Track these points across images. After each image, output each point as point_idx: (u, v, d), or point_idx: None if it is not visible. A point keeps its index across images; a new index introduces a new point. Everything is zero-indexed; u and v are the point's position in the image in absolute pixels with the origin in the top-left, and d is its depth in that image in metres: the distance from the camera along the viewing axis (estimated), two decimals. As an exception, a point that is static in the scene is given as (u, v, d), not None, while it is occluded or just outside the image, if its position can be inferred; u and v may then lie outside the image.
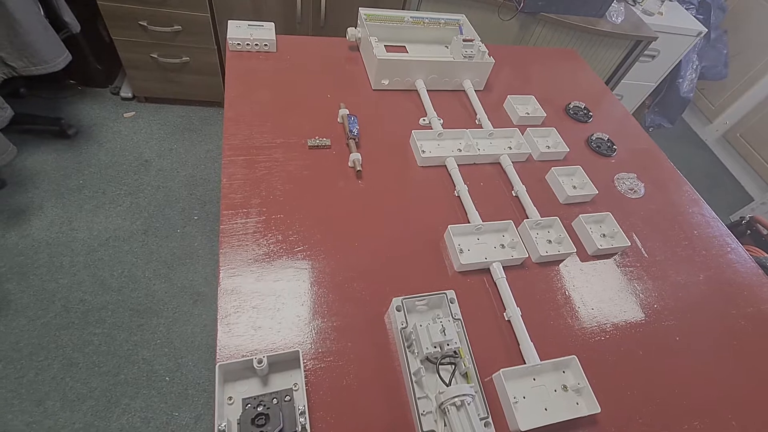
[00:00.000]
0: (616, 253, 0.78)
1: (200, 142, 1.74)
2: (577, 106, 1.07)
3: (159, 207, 1.50)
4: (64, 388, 1.12)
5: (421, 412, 0.52)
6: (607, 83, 1.87)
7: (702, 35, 1.92)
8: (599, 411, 0.55)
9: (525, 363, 0.59)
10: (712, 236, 0.87)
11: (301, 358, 0.51)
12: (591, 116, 1.06)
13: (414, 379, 0.54)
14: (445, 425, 0.50)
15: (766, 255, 1.47)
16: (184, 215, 1.49)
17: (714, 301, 0.75)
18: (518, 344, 0.61)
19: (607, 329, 0.67)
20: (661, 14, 1.90)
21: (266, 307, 0.58)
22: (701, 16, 2.08)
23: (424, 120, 0.91)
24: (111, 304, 1.26)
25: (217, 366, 0.48)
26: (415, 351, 0.55)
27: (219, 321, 0.56)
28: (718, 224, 0.89)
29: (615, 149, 0.98)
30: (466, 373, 0.55)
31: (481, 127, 0.92)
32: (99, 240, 1.38)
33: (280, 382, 0.52)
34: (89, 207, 1.45)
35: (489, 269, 0.68)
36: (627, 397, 0.60)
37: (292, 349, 0.52)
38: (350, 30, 1.02)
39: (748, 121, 2.41)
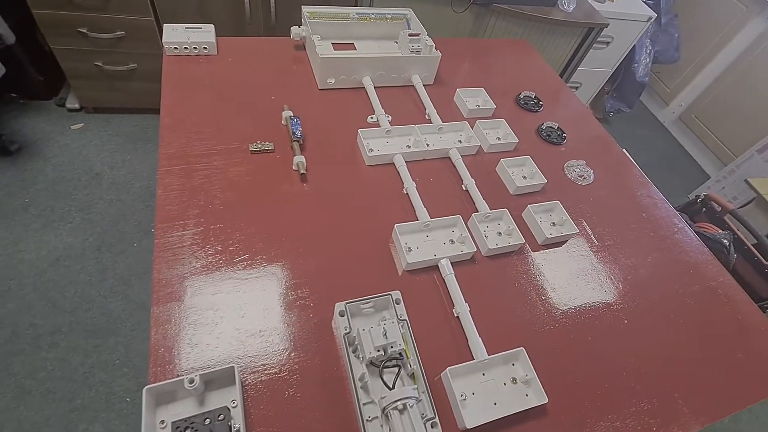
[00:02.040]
0: (566, 241, 0.79)
1: (155, 151, 1.68)
2: (528, 96, 1.07)
3: (113, 221, 1.44)
4: (19, 418, 1.07)
5: (366, 418, 0.50)
6: (564, 71, 1.90)
7: (652, 20, 1.97)
8: (547, 401, 0.55)
9: (474, 359, 0.58)
10: (660, 217, 0.89)
11: (236, 374, 0.49)
12: (541, 105, 1.06)
13: (359, 384, 0.52)
14: (390, 430, 0.49)
15: (720, 232, 1.52)
16: (141, 228, 1.44)
17: (661, 281, 0.77)
18: (467, 340, 0.60)
19: (557, 317, 0.67)
20: (612, 1, 1.93)
21: (204, 323, 0.56)
22: (651, 2, 2.13)
23: (372, 118, 0.90)
24: (64, 327, 1.20)
25: (144, 390, 0.46)
26: (360, 356, 0.54)
27: (152, 340, 0.53)
28: (665, 205, 0.91)
29: (565, 137, 0.99)
30: (413, 374, 0.55)
31: (431, 122, 0.91)
32: (48, 260, 1.31)
33: (218, 400, 0.50)
34: (36, 226, 1.38)
35: (438, 266, 0.68)
36: (576, 383, 0.60)
37: (230, 365, 0.50)
38: (294, 29, 0.99)
39: (701, 102, 2.50)
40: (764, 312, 1.42)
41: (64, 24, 1.38)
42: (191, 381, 0.47)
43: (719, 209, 1.56)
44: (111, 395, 1.11)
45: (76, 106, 1.70)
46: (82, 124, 1.69)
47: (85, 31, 1.40)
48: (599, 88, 2.30)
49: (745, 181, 1.79)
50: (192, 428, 0.43)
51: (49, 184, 1.48)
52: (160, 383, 0.47)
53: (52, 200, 1.44)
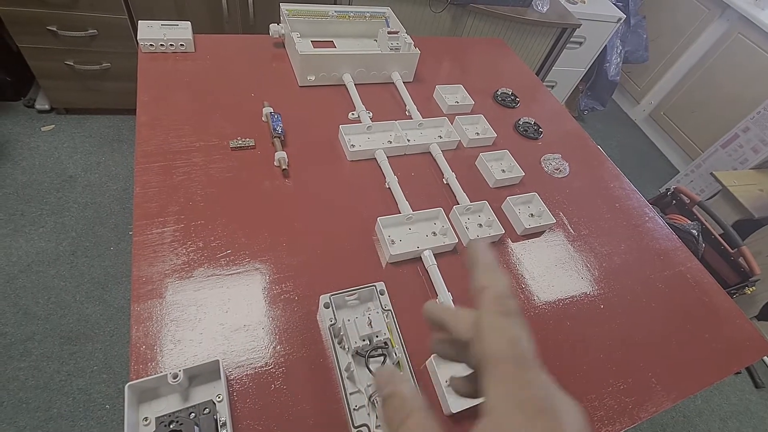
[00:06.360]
0: (544, 231, 0.81)
1: (131, 153, 1.64)
2: (505, 93, 1.10)
3: (88, 225, 1.40)
4: (-10, 431, 1.03)
5: (353, 407, 0.51)
6: (539, 70, 1.95)
7: (622, 21, 2.04)
8: (528, 384, 0.56)
9: (457, 346, 0.60)
10: (631, 207, 0.92)
11: (221, 368, 0.49)
12: (518, 101, 1.09)
13: (345, 374, 0.53)
14: (377, 417, 0.50)
15: (689, 222, 1.59)
16: (118, 231, 1.40)
17: (634, 267, 0.80)
18: (451, 328, 0.62)
19: (537, 305, 0.69)
20: (584, 2, 2.00)
21: (187, 319, 0.55)
22: (620, 4, 2.21)
23: (353, 114, 0.90)
24: (37, 335, 1.16)
25: (126, 386, 0.45)
26: (345, 346, 0.55)
27: (132, 338, 0.52)
28: (636, 196, 0.95)
29: (541, 132, 1.02)
30: (398, 362, 0.55)
31: (411, 118, 0.92)
32: (19, 266, 1.26)
33: (202, 394, 0.49)
34: (5, 231, 1.33)
35: (421, 258, 0.69)
36: (555, 367, 0.62)
37: (214, 359, 0.50)
38: (273, 26, 0.99)
39: (669, 100, 2.60)
40: (732, 298, 1.48)
41: (31, 22, 1.34)
42: (175, 376, 0.46)
43: (688, 201, 1.63)
44: (89, 403, 1.08)
45: (47, 107, 1.65)
46: (53, 126, 1.63)
47: (54, 29, 1.36)
48: (574, 87, 2.37)
49: (711, 174, 1.88)
50: (177, 422, 0.43)
51: (19, 187, 1.43)
52: (143, 379, 0.46)
53: (22, 204, 1.39)
